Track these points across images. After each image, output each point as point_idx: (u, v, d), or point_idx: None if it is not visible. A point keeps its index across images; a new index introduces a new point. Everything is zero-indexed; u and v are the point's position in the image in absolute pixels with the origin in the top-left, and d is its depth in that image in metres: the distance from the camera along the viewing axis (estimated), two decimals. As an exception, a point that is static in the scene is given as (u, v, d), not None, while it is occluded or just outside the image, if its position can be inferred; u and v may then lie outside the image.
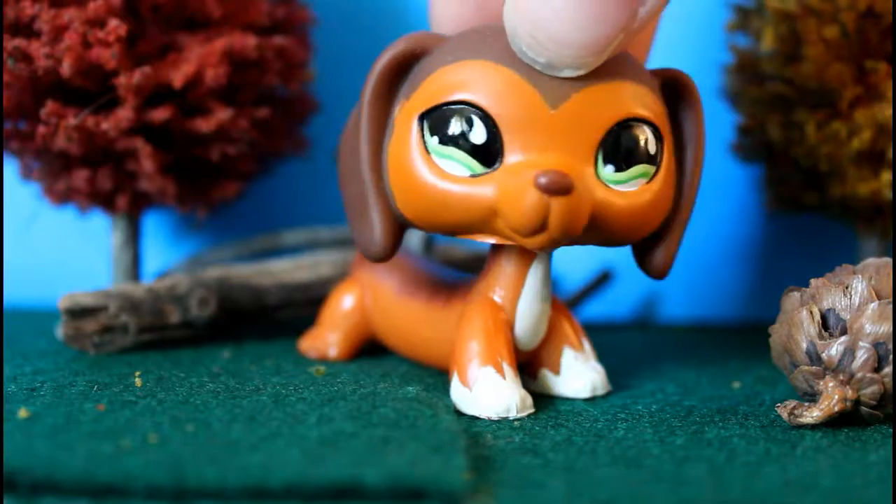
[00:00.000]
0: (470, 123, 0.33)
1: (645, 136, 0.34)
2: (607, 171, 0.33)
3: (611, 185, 0.34)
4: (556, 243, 0.33)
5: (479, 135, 0.33)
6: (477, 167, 0.33)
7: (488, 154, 0.33)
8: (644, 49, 0.39)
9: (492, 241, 0.34)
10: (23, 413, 0.31)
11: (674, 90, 0.36)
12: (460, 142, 0.33)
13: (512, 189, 0.32)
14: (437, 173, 0.33)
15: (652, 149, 0.34)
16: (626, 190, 0.34)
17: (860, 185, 0.44)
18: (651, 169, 0.34)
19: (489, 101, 0.33)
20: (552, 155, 0.33)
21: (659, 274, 0.37)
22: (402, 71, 0.35)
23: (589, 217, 0.33)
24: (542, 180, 0.32)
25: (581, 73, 0.32)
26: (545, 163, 0.32)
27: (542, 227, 0.32)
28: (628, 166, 0.34)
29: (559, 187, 0.32)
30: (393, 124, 0.35)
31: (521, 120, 0.33)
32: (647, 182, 0.34)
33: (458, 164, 0.33)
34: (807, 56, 0.43)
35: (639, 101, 0.34)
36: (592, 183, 0.33)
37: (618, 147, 0.33)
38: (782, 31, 0.44)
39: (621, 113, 0.33)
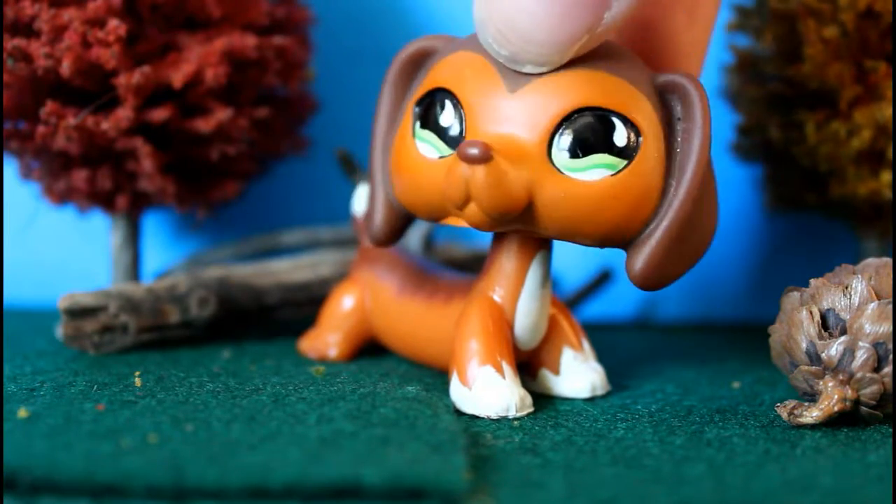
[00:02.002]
0: (442, 108, 0.34)
1: (611, 127, 0.33)
2: (563, 156, 0.33)
3: (565, 172, 0.33)
4: (492, 219, 0.33)
5: (447, 118, 0.34)
6: (444, 149, 0.34)
7: (455, 137, 0.34)
8: (697, 57, 0.38)
9: (458, 224, 0.35)
10: (22, 413, 0.31)
11: (681, 97, 0.35)
12: (434, 126, 0.35)
13: (450, 164, 0.34)
14: (415, 156, 0.35)
15: (619, 141, 0.33)
16: (582, 178, 0.33)
17: (860, 185, 0.44)
18: (618, 162, 0.33)
19: (457, 86, 0.34)
20: (500, 134, 0.33)
21: (637, 281, 0.35)
22: (415, 69, 0.37)
23: (527, 196, 0.33)
24: (462, 149, 0.32)
25: (543, 70, 0.33)
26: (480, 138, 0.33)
27: (467, 197, 0.33)
28: (584, 154, 0.33)
29: (476, 154, 0.32)
30: (401, 118, 0.36)
31: (481, 101, 0.34)
32: (613, 175, 0.33)
33: (431, 146, 0.35)
34: (807, 56, 0.43)
35: (611, 94, 0.33)
36: (537, 163, 0.33)
37: (574, 134, 0.33)
38: (782, 31, 0.44)
39: (582, 101, 0.33)
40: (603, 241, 0.35)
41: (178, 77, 0.41)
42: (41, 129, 0.41)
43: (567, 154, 0.33)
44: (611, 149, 0.33)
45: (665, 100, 0.35)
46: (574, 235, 0.34)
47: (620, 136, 0.33)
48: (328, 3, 0.52)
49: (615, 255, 0.51)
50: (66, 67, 0.40)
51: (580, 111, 0.33)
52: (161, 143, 0.43)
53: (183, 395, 0.34)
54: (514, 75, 0.33)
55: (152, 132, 0.43)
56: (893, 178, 0.43)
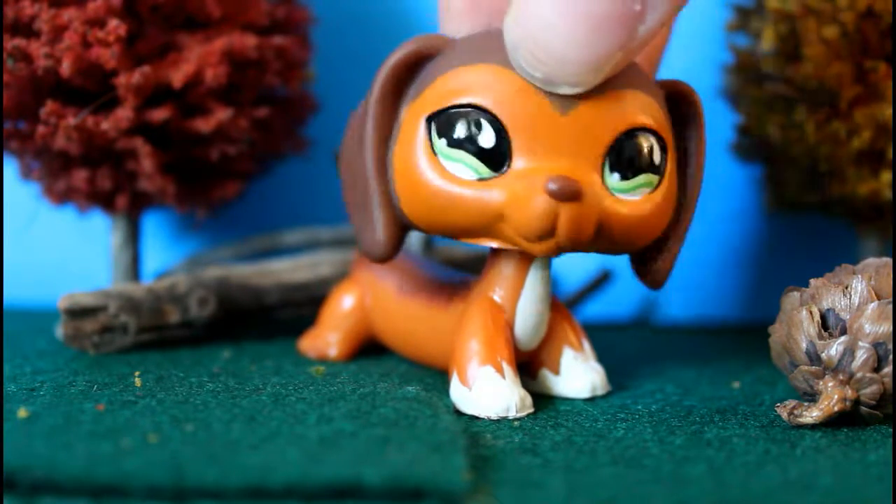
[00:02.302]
0: (479, 127, 0.33)
1: (650, 145, 0.34)
2: (613, 179, 0.33)
3: (616, 194, 0.33)
4: (562, 250, 0.33)
5: (487, 138, 0.33)
6: (484, 171, 0.33)
7: (496, 158, 0.33)
8: (654, 60, 0.39)
9: (496, 245, 0.34)
10: (22, 413, 0.31)
11: (678, 102, 0.36)
12: (468, 145, 0.33)
13: (521, 194, 0.32)
14: (444, 176, 0.33)
15: (656, 158, 0.34)
16: (630, 199, 0.34)
17: (860, 185, 0.44)
18: (655, 179, 0.34)
19: (498, 106, 0.33)
20: (560, 161, 0.33)
21: (656, 284, 0.36)
22: (410, 72, 0.35)
23: (598, 225, 0.33)
24: (553, 186, 0.32)
25: (578, 90, 0.32)
26: (554, 168, 0.32)
27: (549, 233, 0.32)
28: (634, 175, 0.33)
29: (569, 193, 0.32)
30: (400, 125, 0.35)
31: (530, 125, 0.33)
32: (651, 192, 0.34)
33: (465, 167, 0.33)
34: (806, 56, 0.43)
35: (645, 110, 0.34)
36: (600, 191, 0.33)
37: (624, 155, 0.33)
38: (782, 31, 0.44)
39: (629, 122, 0.33)
40: (628, 252, 0.36)
41: (177, 77, 0.41)
42: (41, 129, 0.41)
43: (617, 176, 0.33)
44: (651, 167, 0.34)
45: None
46: (611, 250, 0.35)
47: (656, 154, 0.34)
48: (328, 3, 0.52)
49: (615, 256, 0.51)
50: (66, 67, 0.40)
51: (626, 133, 0.33)
52: (161, 143, 0.43)
53: (183, 395, 0.34)
54: (560, 96, 0.33)
55: (152, 132, 0.43)
56: (893, 178, 0.43)
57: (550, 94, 0.33)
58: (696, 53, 0.50)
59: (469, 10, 0.37)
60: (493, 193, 0.33)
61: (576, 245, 0.33)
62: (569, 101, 0.33)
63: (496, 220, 0.33)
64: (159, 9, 0.42)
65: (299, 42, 0.46)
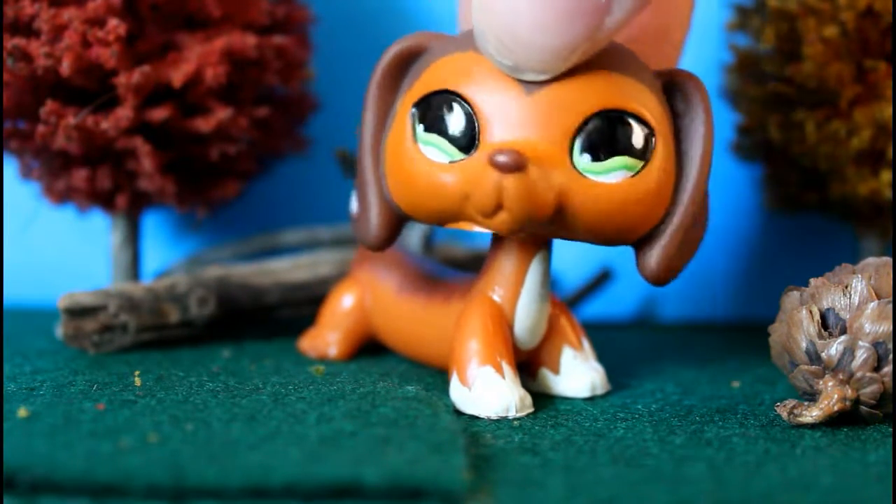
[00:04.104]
0: (450, 110, 0.34)
1: (630, 129, 0.33)
2: (584, 159, 0.33)
3: (587, 175, 0.33)
4: (520, 226, 0.33)
5: (457, 122, 0.34)
6: (455, 154, 0.34)
7: (466, 141, 0.34)
8: (674, 53, 0.39)
9: (472, 228, 0.34)
10: (22, 412, 0.31)
11: (680, 91, 0.36)
12: (441, 129, 0.34)
13: (472, 169, 0.33)
14: (421, 160, 0.34)
15: (638, 143, 0.34)
16: (604, 181, 0.33)
17: (860, 185, 0.44)
18: (637, 163, 0.34)
19: (468, 89, 0.34)
20: (522, 139, 0.33)
21: (653, 277, 0.35)
22: (403, 68, 0.36)
23: (556, 202, 0.33)
24: (495, 157, 0.32)
25: (544, 77, 0.33)
26: (508, 144, 0.33)
27: (498, 205, 0.33)
28: (606, 157, 0.33)
29: (510, 163, 0.32)
30: (393, 117, 0.36)
31: (497, 106, 0.33)
32: (632, 176, 0.34)
33: (439, 150, 0.34)
34: (806, 55, 0.43)
35: (627, 94, 0.33)
36: (563, 168, 0.33)
37: (595, 136, 0.33)
38: (782, 31, 0.44)
39: (602, 103, 0.33)
40: (619, 241, 0.35)
41: (177, 76, 0.41)
42: (41, 128, 0.41)
43: (588, 157, 0.33)
44: (630, 150, 0.33)
45: (667, 95, 0.35)
46: (595, 237, 0.35)
47: (637, 137, 0.34)
48: (328, 3, 0.52)
49: (615, 255, 0.51)
50: (66, 67, 0.40)
51: (599, 113, 0.33)
52: (161, 142, 0.43)
53: (183, 395, 0.34)
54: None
55: (152, 132, 0.43)
56: (893, 178, 0.43)
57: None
58: (696, 53, 0.50)
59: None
60: (457, 175, 0.33)
61: (532, 220, 0.33)
62: (538, 82, 0.33)
63: (463, 201, 0.33)
64: (159, 8, 0.42)
65: (299, 42, 0.46)
